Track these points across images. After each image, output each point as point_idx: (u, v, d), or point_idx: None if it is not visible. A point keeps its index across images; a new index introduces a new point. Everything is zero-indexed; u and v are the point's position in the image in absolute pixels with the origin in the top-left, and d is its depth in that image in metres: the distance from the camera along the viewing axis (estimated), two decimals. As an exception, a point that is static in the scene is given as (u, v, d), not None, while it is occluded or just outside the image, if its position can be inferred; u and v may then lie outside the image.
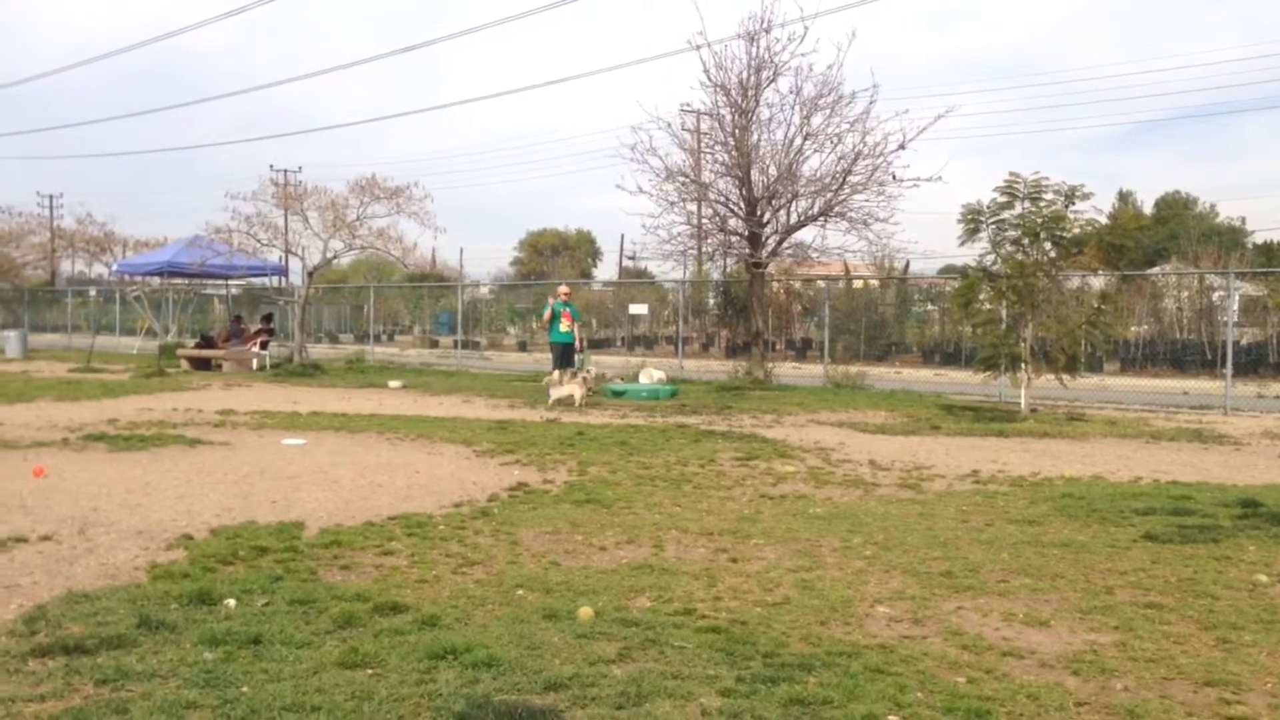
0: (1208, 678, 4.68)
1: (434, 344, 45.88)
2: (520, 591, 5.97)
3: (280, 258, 31.69)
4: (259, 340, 27.91)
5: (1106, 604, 5.89)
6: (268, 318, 31.25)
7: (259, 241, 28.32)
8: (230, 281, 36.32)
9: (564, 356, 20.86)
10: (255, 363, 26.69)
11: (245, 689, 4.28)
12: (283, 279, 34.10)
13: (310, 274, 28.63)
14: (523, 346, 44.21)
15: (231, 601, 5.49)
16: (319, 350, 35.78)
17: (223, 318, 39.74)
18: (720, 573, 6.54)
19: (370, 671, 4.51)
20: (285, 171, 53.64)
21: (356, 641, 4.87)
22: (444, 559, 6.77)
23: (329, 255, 28.42)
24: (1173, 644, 5.18)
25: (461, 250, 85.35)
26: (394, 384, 22.97)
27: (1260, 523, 7.98)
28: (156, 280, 36.82)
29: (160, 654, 4.71)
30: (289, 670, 4.50)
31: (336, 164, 78.82)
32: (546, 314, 21.46)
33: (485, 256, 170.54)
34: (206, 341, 30.14)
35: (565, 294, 22.02)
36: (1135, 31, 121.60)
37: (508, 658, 4.67)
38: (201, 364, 27.42)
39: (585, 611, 5.46)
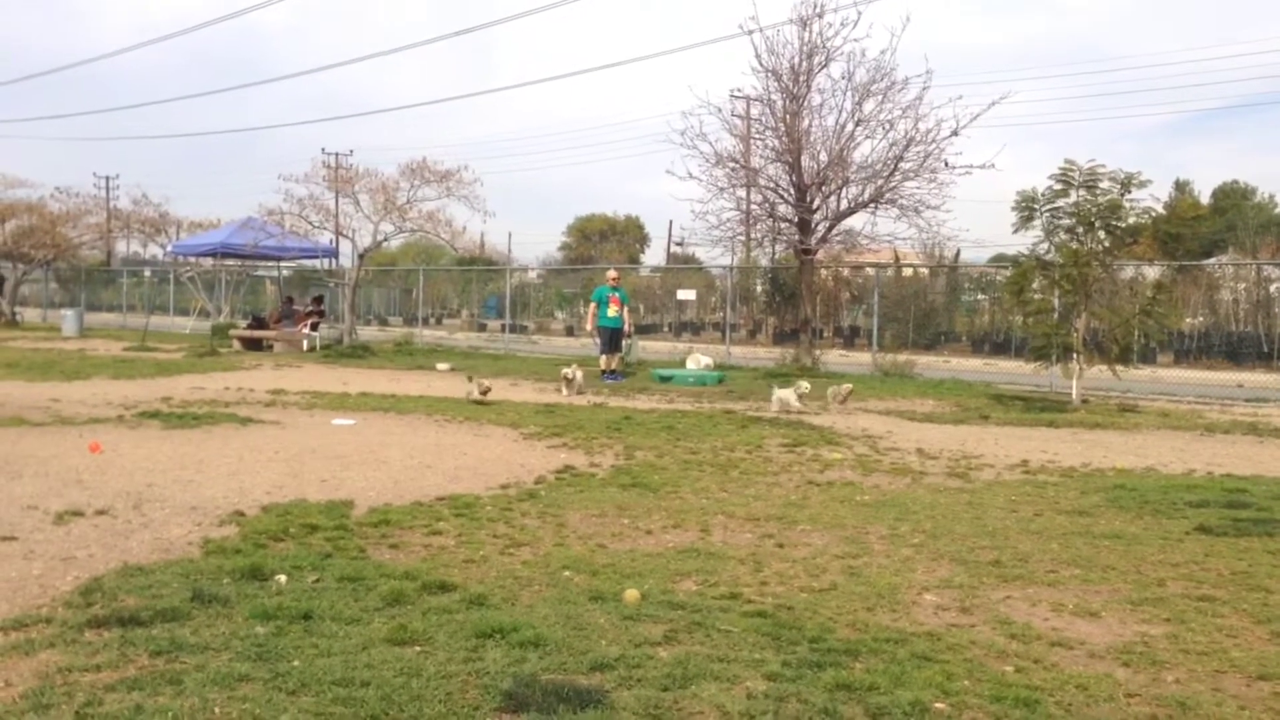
0: (1261, 671, 4.61)
1: (482, 327, 46.18)
2: (566, 573, 5.99)
3: (331, 240, 32.05)
4: (309, 321, 28.21)
5: (1158, 596, 5.82)
6: (318, 299, 31.57)
7: (310, 224, 28.64)
8: (282, 263, 36.75)
9: (612, 341, 20.91)
10: (305, 344, 26.98)
11: (296, 663, 4.34)
12: (333, 261, 34.44)
13: (360, 256, 28.89)
14: (570, 331, 44.33)
15: (282, 577, 5.57)
16: (368, 332, 36.13)
17: (274, 299, 40.21)
18: (766, 558, 6.53)
19: (418, 648, 4.56)
20: (337, 154, 54.12)
21: (405, 619, 4.92)
22: (491, 539, 6.81)
23: (379, 238, 28.66)
24: (1225, 637, 5.10)
25: (510, 234, 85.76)
26: (442, 367, 23.13)
27: (1318, 517, 7.83)
28: (209, 261, 37.32)
29: (213, 627, 4.78)
30: (339, 645, 4.56)
31: (389, 147, 79.75)
32: (591, 314, 21.49)
33: (534, 241, 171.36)
34: (258, 322, 30.53)
35: (614, 279, 22.00)
36: (1196, 19, 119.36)
37: (554, 638, 4.70)
38: (253, 344, 27.77)
39: (631, 594, 5.48)
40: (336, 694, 4.01)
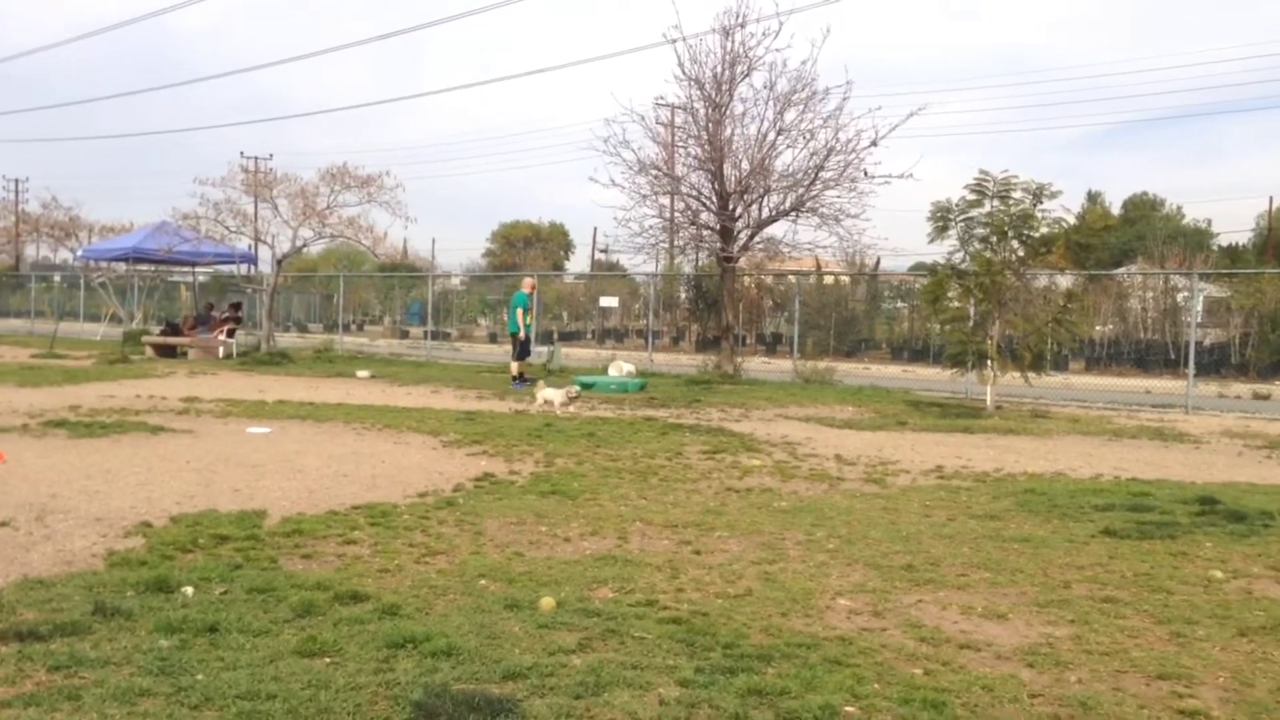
0: (1161, 671, 4.73)
1: (404, 334, 45.75)
2: (483, 581, 5.96)
3: (249, 245, 31.51)
4: (226, 328, 27.69)
5: (1064, 598, 5.94)
6: (235, 305, 31.01)
7: (227, 228, 28.17)
8: (197, 268, 36.03)
9: (524, 348, 21.12)
10: (222, 351, 26.48)
11: (200, 677, 4.25)
12: (251, 267, 33.89)
13: (279, 262, 28.47)
14: (493, 338, 44.11)
15: (189, 589, 5.46)
16: (287, 339, 35.58)
17: (189, 305, 39.43)
18: (683, 564, 6.55)
19: (328, 660, 4.50)
20: (256, 158, 53.29)
21: (315, 630, 4.85)
22: (407, 548, 6.74)
23: (298, 243, 28.28)
24: (1127, 637, 5.23)
25: (434, 240, 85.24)
26: (362, 374, 22.86)
27: (1217, 520, 8.07)
28: (122, 266, 36.47)
29: (115, 641, 4.67)
30: (245, 658, 4.48)
31: (312, 151, 78.65)
32: (520, 311, 21.45)
33: (458, 247, 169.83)
34: (172, 328, 29.88)
35: (532, 287, 22.10)
36: (1114, 36, 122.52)
37: (467, 647, 4.66)
38: (167, 351, 27.17)
39: (547, 602, 5.46)
40: (241, 708, 3.93)
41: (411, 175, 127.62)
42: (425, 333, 35.76)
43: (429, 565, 6.33)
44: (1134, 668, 4.79)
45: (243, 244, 30.81)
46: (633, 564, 6.50)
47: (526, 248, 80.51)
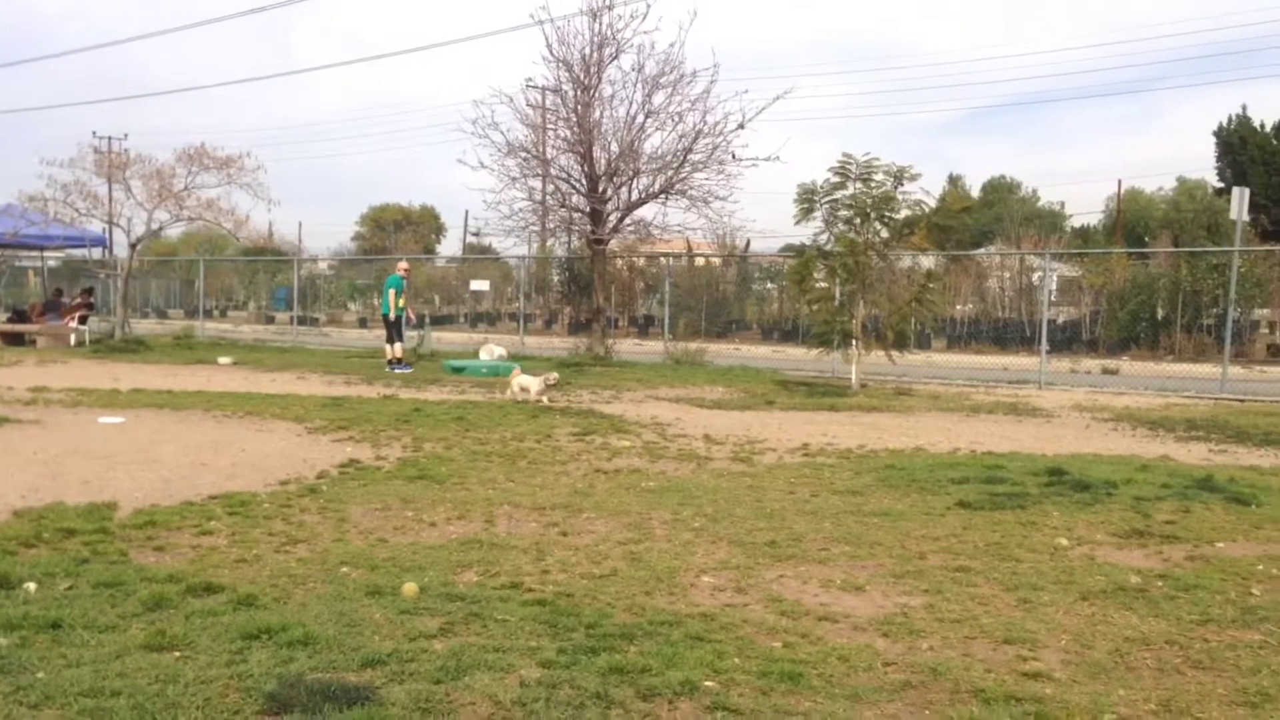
0: (1007, 636, 4.91)
1: (270, 320, 44.69)
2: (344, 569, 5.85)
3: (102, 229, 30.32)
4: (78, 314, 26.60)
5: (919, 569, 6.12)
6: (87, 291, 29.80)
7: (77, 211, 26.96)
8: (46, 253, 34.49)
9: (399, 331, 20.96)
10: (73, 338, 25.42)
11: (40, 675, 4.08)
12: (106, 250, 32.62)
13: (133, 246, 27.43)
14: (364, 323, 43.35)
15: (31, 585, 5.23)
16: (144, 326, 34.39)
17: (38, 291, 37.76)
18: (550, 546, 6.55)
19: (178, 654, 4.36)
20: (110, 139, 51.21)
21: (165, 624, 4.70)
22: (266, 538, 6.59)
23: (154, 226, 27.29)
24: (977, 605, 5.42)
25: (300, 224, 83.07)
26: (224, 360, 22.22)
27: (1064, 490, 8.41)
28: (-36, 251, 34.70)
29: (-50, 642, 4.45)
30: (90, 655, 4.31)
31: (177, 131, 75.66)
32: (393, 293, 21.18)
33: (326, 231, 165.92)
34: (19, 316, 28.56)
35: (405, 270, 21.88)
36: (977, 21, 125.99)
37: (325, 636, 4.58)
38: (14, 339, 25.96)
39: (409, 587, 5.40)
40: (84, 705, 3.79)
41: (277, 157, 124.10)
42: (292, 318, 34.96)
43: (289, 554, 6.19)
44: (983, 634, 4.96)
45: (95, 227, 29.61)
46: (499, 547, 6.47)
47: (397, 231, 79.26)
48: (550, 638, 4.72)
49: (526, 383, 15.11)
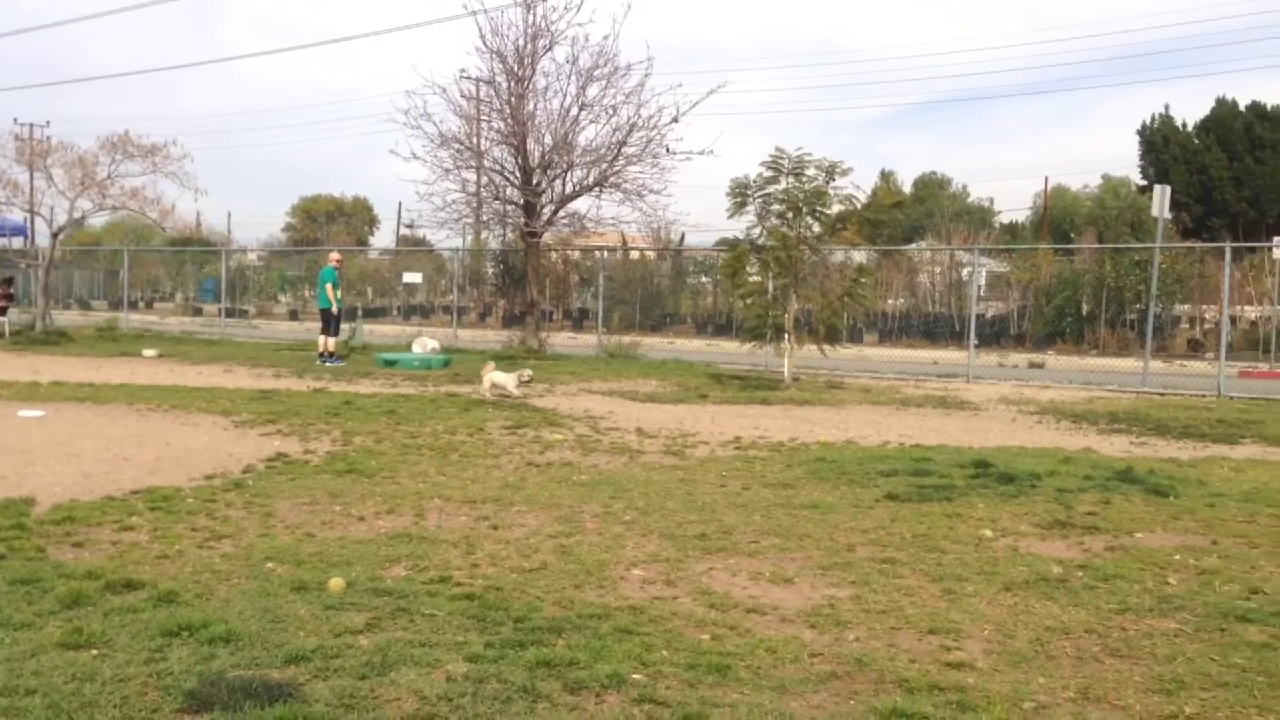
0: (932, 626, 4.97)
1: (197, 312, 43.88)
2: (269, 564, 5.77)
3: (23, 218, 29.58)
4: (-3, 305, 25.95)
5: (847, 560, 6.18)
6: (7, 281, 29.07)
7: (-5, 199, 26.31)
8: (-36, 242, 33.63)
9: (335, 324, 20.70)
10: (-7, 330, 24.81)
11: (-49, 675, 3.97)
12: (26, 240, 31.84)
13: (55, 235, 26.79)
14: (294, 315, 42.75)
15: (-57, 584, 5.09)
16: (67, 317, 33.63)
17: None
18: (480, 540, 6.51)
19: (95, 652, 4.27)
20: (32, 125, 49.99)
21: (83, 621, 4.60)
22: (189, 533, 6.47)
23: (75, 216, 26.67)
24: (903, 596, 5.48)
25: (229, 214, 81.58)
26: (149, 353, 21.81)
27: (989, 482, 8.54)
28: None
29: None
30: (4, 653, 4.21)
31: (104, 118, 73.91)
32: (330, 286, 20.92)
33: (257, 221, 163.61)
34: (-64, 307, 27.81)
35: (338, 261, 21.65)
36: (908, 17, 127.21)
37: (248, 632, 4.51)
38: (-70, 331, 25.28)
39: (336, 582, 5.34)
40: (-4, 706, 3.70)
41: (206, 145, 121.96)
42: (220, 310, 34.39)
43: (212, 550, 6.09)
44: (908, 624, 5.02)
45: (15, 216, 28.87)
46: (428, 541, 6.42)
47: (329, 222, 78.24)
48: (478, 632, 4.69)
49: (501, 379, 14.69)
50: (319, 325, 21.45)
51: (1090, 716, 3.95)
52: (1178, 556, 6.35)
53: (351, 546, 6.25)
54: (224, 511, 7.12)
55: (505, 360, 21.15)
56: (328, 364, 19.70)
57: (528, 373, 15.10)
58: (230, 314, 34.37)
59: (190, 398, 13.62)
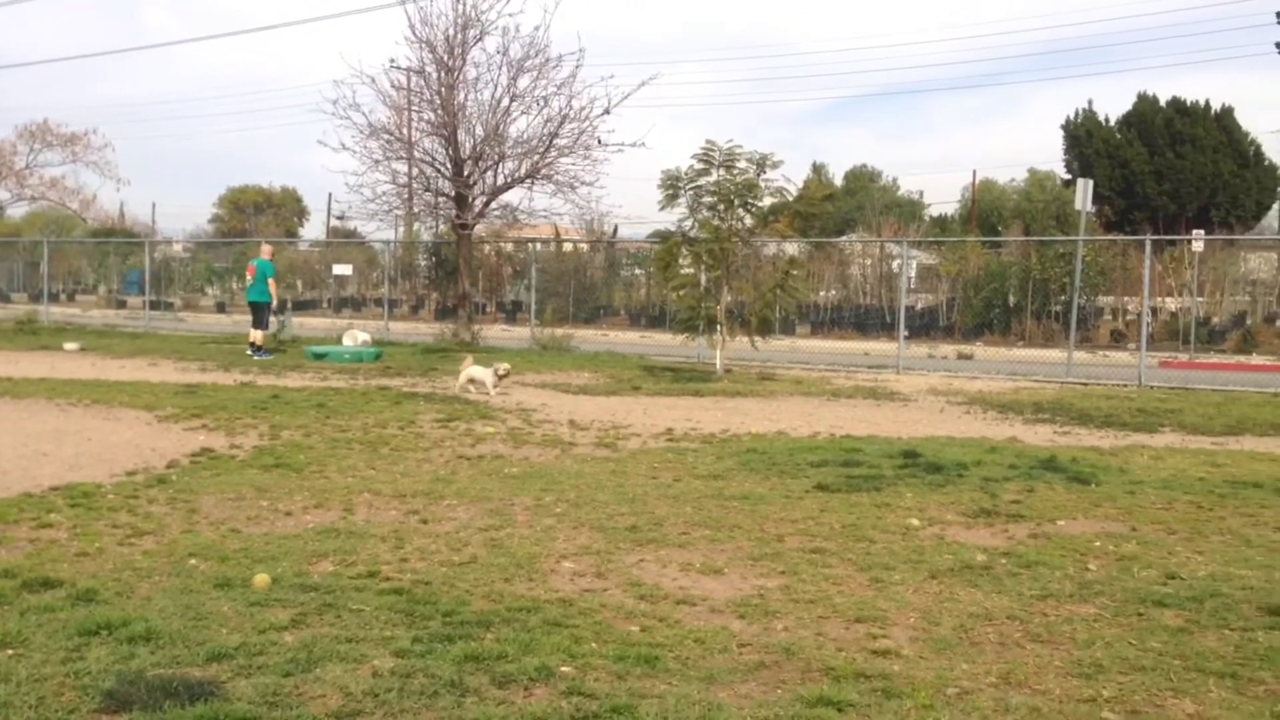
0: (859, 615, 5.03)
1: (121, 304, 43.00)
2: (192, 561, 5.67)
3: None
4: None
5: (777, 551, 6.23)
6: (-79, 274, 28.28)
7: (-92, 189, 25.56)
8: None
9: (266, 317, 20.52)
10: (-94, 323, 24.11)
11: None
12: (-59, 231, 30.96)
13: (-29, 226, 26.10)
14: (222, 308, 42.07)
15: None
16: (-15, 310, 32.74)
17: None
18: (409, 534, 6.46)
19: (11, 652, 4.16)
20: (-54, 113, 48.53)
21: (-2, 621, 4.49)
22: (110, 530, 6.34)
23: (-7, 206, 26.01)
24: (831, 585, 5.53)
25: (154, 205, 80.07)
26: (70, 346, 21.31)
27: (918, 471, 8.66)
28: None
29: None
30: (-87, 656, 4.10)
31: (24, 107, 71.85)
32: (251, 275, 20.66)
33: (183, 212, 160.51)
34: None
35: (270, 253, 21.40)
36: (839, 11, 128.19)
37: (169, 630, 4.43)
38: None
39: (261, 578, 5.26)
40: (-96, 710, 3.60)
41: (130, 135, 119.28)
42: (144, 302, 33.73)
43: (134, 547, 5.97)
44: (835, 613, 5.07)
45: (-71, 206, 28.07)
46: (357, 536, 6.36)
47: (257, 214, 77.02)
48: (406, 627, 4.66)
49: (478, 374, 14.22)
50: (249, 319, 21.16)
51: (1011, 701, 4.01)
52: (1098, 543, 6.49)
53: (278, 542, 6.17)
54: (146, 508, 6.99)
55: (438, 353, 21.05)
56: (256, 357, 19.50)
57: (505, 366, 14.67)
58: (155, 307, 33.74)
59: (113, 392, 13.34)
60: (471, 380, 14.23)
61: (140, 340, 24.14)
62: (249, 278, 20.51)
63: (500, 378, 14.23)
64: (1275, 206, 45.47)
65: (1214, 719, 3.90)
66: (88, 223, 35.73)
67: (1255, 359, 24.39)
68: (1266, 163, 45.68)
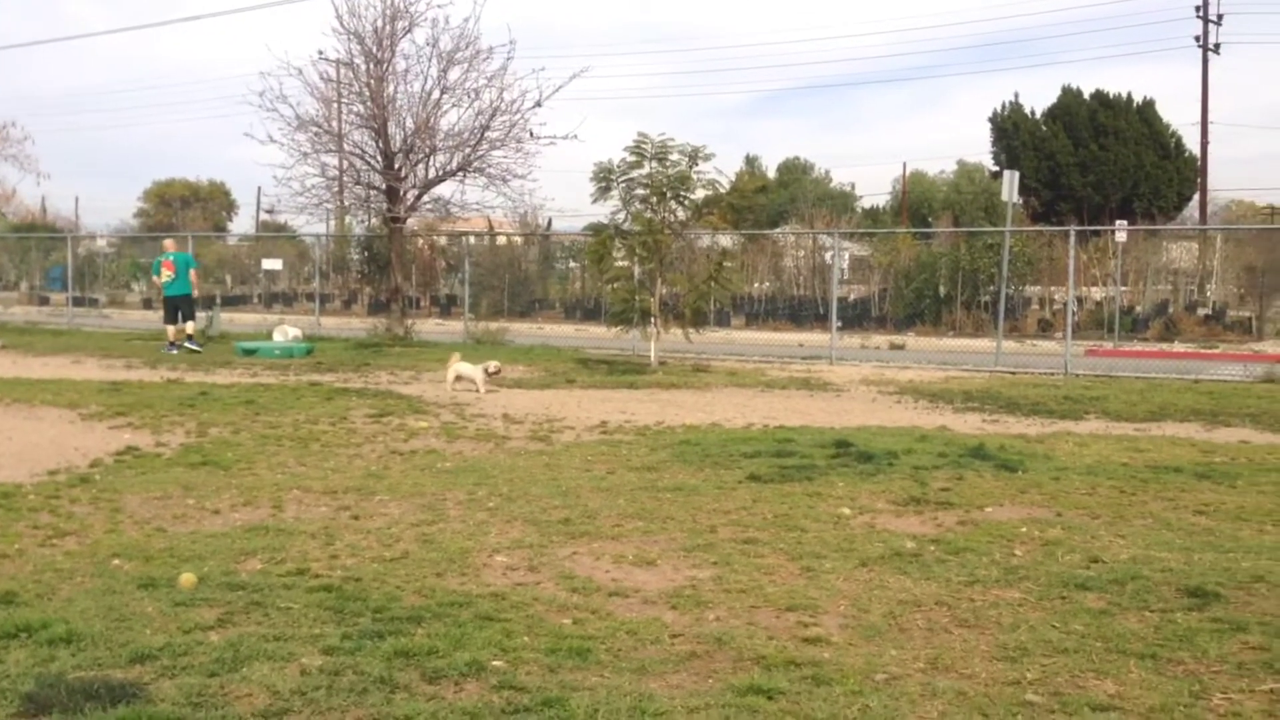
0: (790, 603, 5.07)
1: (44, 301, 42.04)
2: (116, 561, 5.57)
3: None
4: None
5: (709, 542, 6.26)
6: None
7: None
8: None
9: (185, 310, 20.21)
10: None
11: None
12: None
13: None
14: (148, 304, 41.22)
15: None
16: (-100, 308, 31.83)
17: None
18: (340, 531, 6.40)
19: (-76, 659, 4.06)
20: None
21: (-89, 627, 4.37)
22: (30, 531, 6.21)
23: (-92, 200, 25.27)
24: (763, 575, 5.57)
25: (77, 199, 78.29)
26: (-10, 344, 20.80)
27: (850, 461, 8.75)
28: None
29: None
30: None
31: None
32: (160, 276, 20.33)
33: (108, 207, 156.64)
34: None
35: (171, 246, 21.16)
36: (771, 5, 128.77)
37: (91, 632, 4.35)
38: None
39: (187, 578, 5.18)
40: None
41: (51, 127, 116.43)
42: (68, 299, 33.00)
43: (55, 548, 5.86)
44: (767, 602, 5.11)
45: None
46: (286, 533, 6.29)
47: (184, 208, 75.64)
48: (335, 624, 4.61)
49: (468, 372, 13.72)
50: (180, 311, 20.78)
51: (938, 685, 4.07)
52: (1024, 529, 6.60)
53: (205, 541, 6.08)
54: (68, 508, 6.85)
55: (370, 348, 20.85)
56: (174, 350, 19.32)
57: (495, 364, 14.23)
58: (79, 303, 33.07)
59: (34, 390, 13.05)
60: (459, 378, 13.79)
61: (64, 337, 23.64)
62: (168, 273, 20.09)
63: (490, 375, 13.87)
64: (1195, 197, 46.44)
65: (1134, 699, 3.98)
66: (8, 218, 34.86)
67: (1177, 346, 24.96)
68: (1187, 154, 46.69)
